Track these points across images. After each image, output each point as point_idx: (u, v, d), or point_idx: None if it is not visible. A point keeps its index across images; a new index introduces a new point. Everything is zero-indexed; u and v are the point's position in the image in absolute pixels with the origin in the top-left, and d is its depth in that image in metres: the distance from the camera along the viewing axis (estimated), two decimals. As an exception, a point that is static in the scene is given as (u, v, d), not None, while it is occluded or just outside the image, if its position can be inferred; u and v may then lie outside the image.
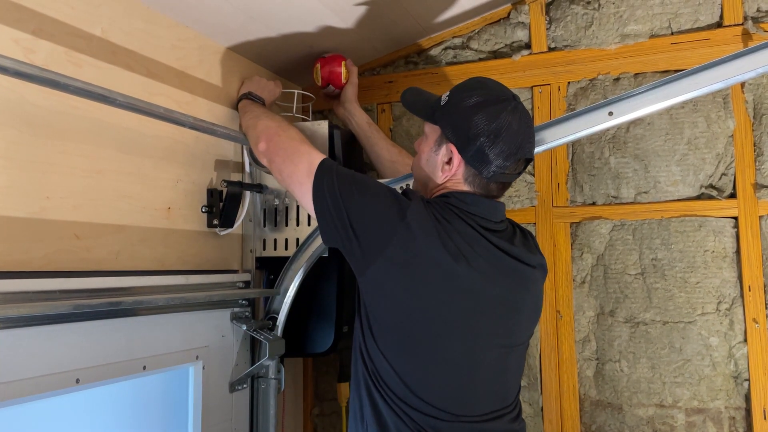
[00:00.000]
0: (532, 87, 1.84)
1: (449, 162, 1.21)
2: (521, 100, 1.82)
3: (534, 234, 1.78)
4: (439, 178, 1.23)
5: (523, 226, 1.36)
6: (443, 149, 1.22)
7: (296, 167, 1.26)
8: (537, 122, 1.79)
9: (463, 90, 1.24)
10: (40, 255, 1.13)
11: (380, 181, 1.48)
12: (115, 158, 1.31)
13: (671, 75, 1.67)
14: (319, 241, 1.58)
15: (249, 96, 1.64)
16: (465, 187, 1.21)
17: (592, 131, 1.36)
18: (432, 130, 1.26)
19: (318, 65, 1.79)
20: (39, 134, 1.14)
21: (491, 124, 1.16)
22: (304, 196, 1.23)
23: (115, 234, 1.30)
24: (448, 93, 1.26)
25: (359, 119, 1.80)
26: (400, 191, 1.19)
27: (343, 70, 1.78)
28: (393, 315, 1.15)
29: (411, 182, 1.48)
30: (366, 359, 1.19)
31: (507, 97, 1.20)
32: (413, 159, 1.36)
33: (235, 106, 1.68)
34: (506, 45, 1.89)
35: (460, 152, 1.19)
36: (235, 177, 1.70)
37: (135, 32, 1.38)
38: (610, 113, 1.35)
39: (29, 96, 1.12)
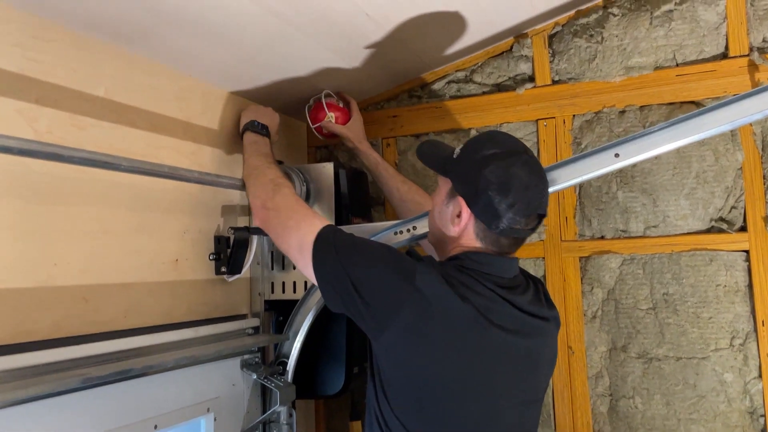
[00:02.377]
0: (537, 120, 1.83)
1: (459, 215, 1.18)
2: (526, 133, 1.84)
3: (544, 269, 1.78)
4: (451, 231, 1.20)
5: (533, 274, 1.34)
6: (453, 202, 1.20)
7: (289, 246, 1.26)
8: (542, 156, 1.80)
9: (475, 143, 1.22)
10: (48, 323, 1.13)
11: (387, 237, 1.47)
12: (122, 216, 1.31)
13: (677, 106, 1.69)
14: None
15: (252, 128, 1.58)
16: (477, 244, 1.18)
17: (599, 174, 1.34)
18: (444, 183, 1.24)
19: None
20: (45, 202, 1.15)
21: (500, 177, 1.13)
22: (304, 270, 1.22)
23: (123, 292, 1.30)
24: (461, 146, 1.24)
25: (366, 162, 1.79)
26: (405, 251, 1.18)
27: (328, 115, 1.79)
28: (409, 379, 1.12)
29: (417, 224, 1.48)
30: (381, 425, 1.16)
31: (518, 151, 1.17)
32: (429, 210, 1.34)
33: (240, 136, 1.63)
34: (510, 78, 1.89)
35: (469, 206, 1.16)
36: (242, 220, 1.70)
37: (138, 87, 1.39)
38: (617, 155, 1.34)
39: (34, 165, 1.11)
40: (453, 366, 1.10)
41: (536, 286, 1.28)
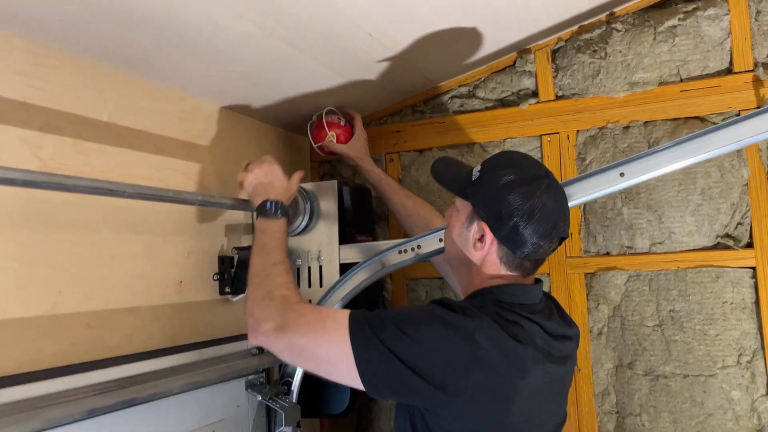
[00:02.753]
0: (540, 136, 1.83)
1: (481, 239, 1.16)
2: (530, 148, 1.83)
3: (549, 286, 1.78)
4: (473, 256, 1.18)
5: (547, 292, 1.33)
6: (475, 226, 1.17)
7: (316, 371, 1.14)
8: (547, 172, 1.78)
9: (496, 166, 1.18)
10: (53, 351, 1.13)
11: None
12: (126, 241, 1.31)
13: (681, 121, 1.68)
14: (331, 302, 1.56)
15: (264, 213, 1.34)
16: (502, 270, 1.16)
17: (604, 193, 1.34)
18: (463, 206, 1.22)
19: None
20: (50, 229, 1.14)
21: (525, 203, 1.11)
22: (353, 384, 1.08)
23: (127, 317, 1.30)
24: (479, 167, 1.20)
25: (368, 178, 1.79)
26: (439, 299, 1.12)
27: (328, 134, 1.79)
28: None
29: (422, 243, 1.47)
30: None
31: (540, 175, 1.15)
32: (446, 229, 1.30)
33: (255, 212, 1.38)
34: (513, 93, 1.88)
35: (492, 231, 1.14)
36: (246, 240, 1.70)
37: (141, 111, 1.38)
38: (622, 174, 1.33)
39: (37, 193, 1.11)
40: (521, 409, 1.07)
41: (557, 305, 1.27)
